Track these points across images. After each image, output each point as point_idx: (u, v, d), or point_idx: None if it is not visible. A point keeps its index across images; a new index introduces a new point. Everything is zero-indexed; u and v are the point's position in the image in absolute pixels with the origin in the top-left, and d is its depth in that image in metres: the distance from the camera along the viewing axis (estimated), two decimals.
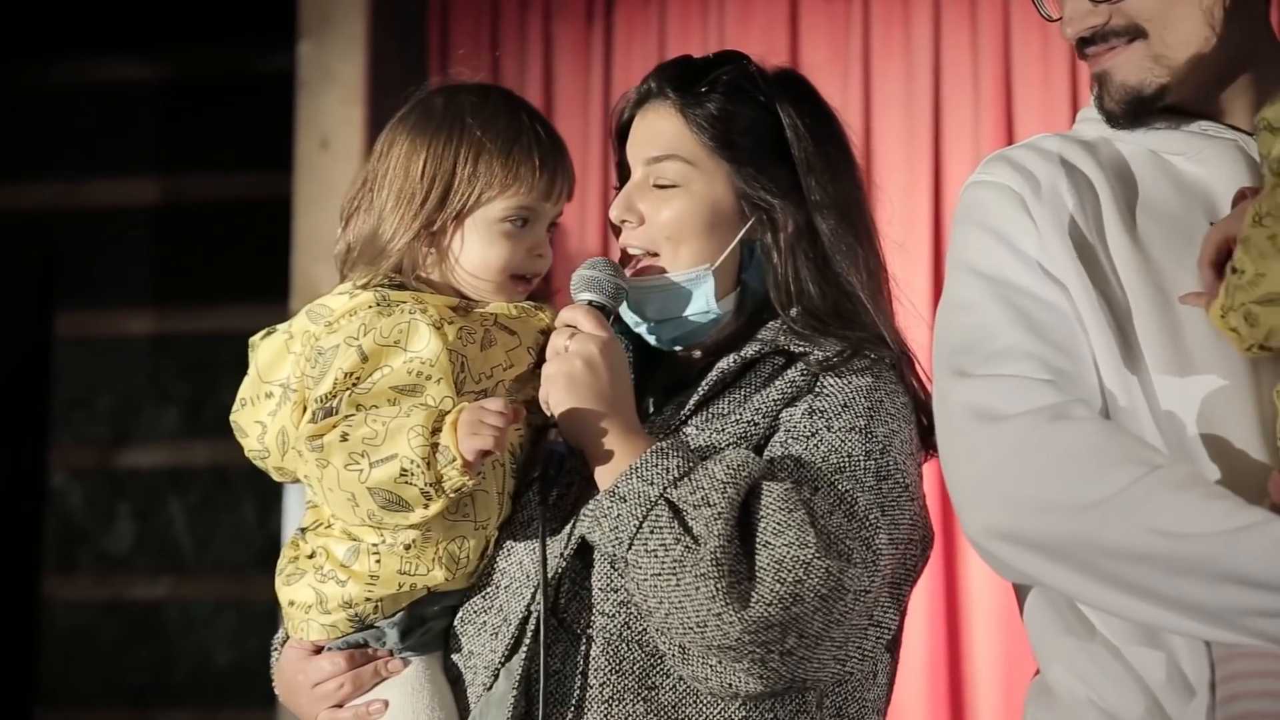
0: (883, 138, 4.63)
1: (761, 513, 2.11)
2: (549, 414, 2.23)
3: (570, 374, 2.20)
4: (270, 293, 4.64)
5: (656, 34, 4.83)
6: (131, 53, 5.12)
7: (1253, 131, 2.09)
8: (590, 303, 2.26)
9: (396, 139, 2.31)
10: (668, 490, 2.13)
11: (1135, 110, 2.10)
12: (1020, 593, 2.17)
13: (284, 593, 2.27)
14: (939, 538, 4.13)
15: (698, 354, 2.35)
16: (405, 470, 2.12)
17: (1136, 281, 2.04)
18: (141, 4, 5.08)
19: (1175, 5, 2.07)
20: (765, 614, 2.07)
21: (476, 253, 2.28)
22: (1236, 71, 2.11)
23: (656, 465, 2.15)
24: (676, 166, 2.31)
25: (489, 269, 2.29)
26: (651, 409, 2.35)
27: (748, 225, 2.33)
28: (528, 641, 2.19)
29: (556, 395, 2.21)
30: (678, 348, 2.38)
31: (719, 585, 2.06)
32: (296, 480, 2.28)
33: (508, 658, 2.22)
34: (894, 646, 2.29)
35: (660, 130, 2.33)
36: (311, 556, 2.25)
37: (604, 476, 2.19)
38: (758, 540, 2.10)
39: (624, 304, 2.35)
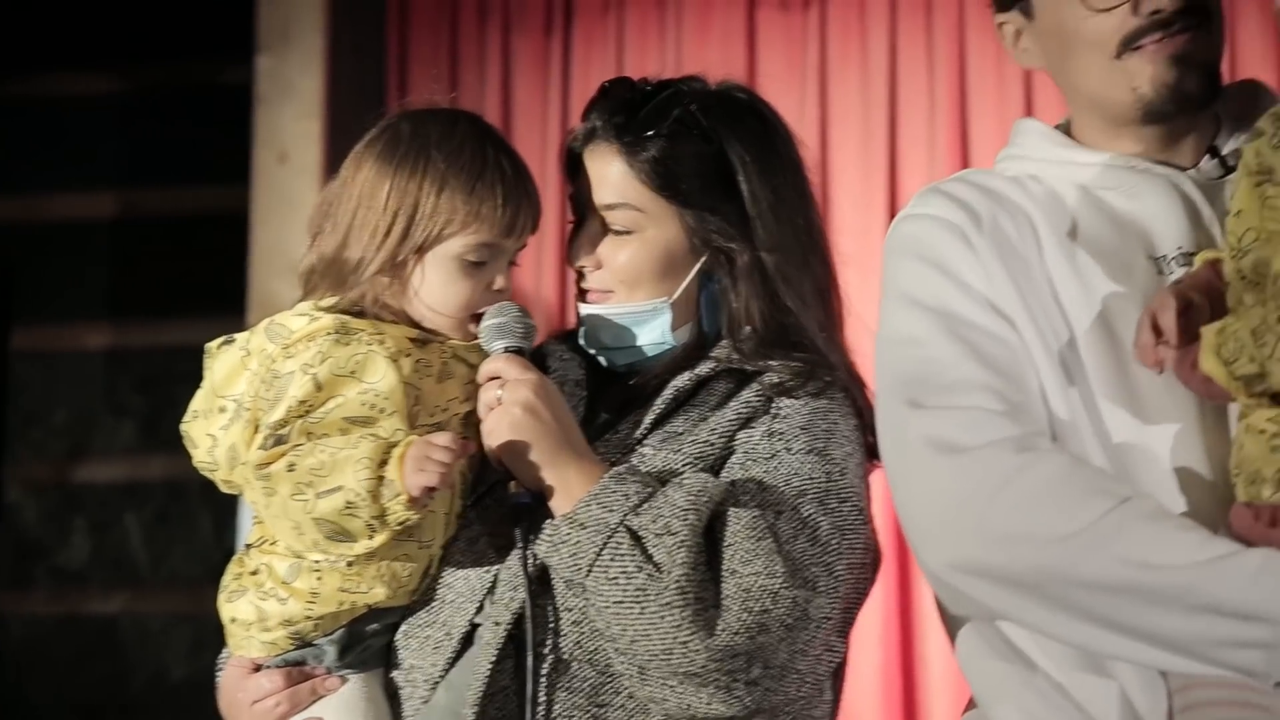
0: (839, 148, 4.63)
1: (728, 540, 2.11)
2: (500, 467, 2.22)
3: (513, 423, 2.20)
4: (227, 307, 4.63)
5: (615, 46, 4.84)
6: (89, 67, 5.10)
7: (1183, 166, 2.10)
8: (506, 349, 2.26)
9: (363, 164, 2.30)
10: (627, 517, 2.13)
11: (1212, 93, 2.11)
12: (953, 633, 2.15)
13: (226, 609, 2.27)
14: (894, 554, 4.16)
15: (652, 374, 2.35)
16: (350, 503, 2.12)
17: (1082, 315, 2.04)
18: (98, 18, 5.07)
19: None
20: (731, 643, 2.07)
21: (436, 288, 2.27)
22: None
23: (615, 492, 2.15)
24: (627, 214, 2.32)
25: (448, 305, 2.28)
26: (603, 424, 2.34)
27: (701, 261, 2.33)
28: (493, 660, 2.17)
29: (505, 448, 2.20)
30: (634, 370, 2.38)
31: (684, 614, 2.07)
32: (244, 492, 2.28)
33: (446, 671, 2.22)
34: (839, 672, 2.29)
35: (607, 176, 2.33)
36: (255, 573, 2.25)
37: (563, 505, 2.18)
38: (724, 568, 2.10)
39: (580, 331, 2.37)
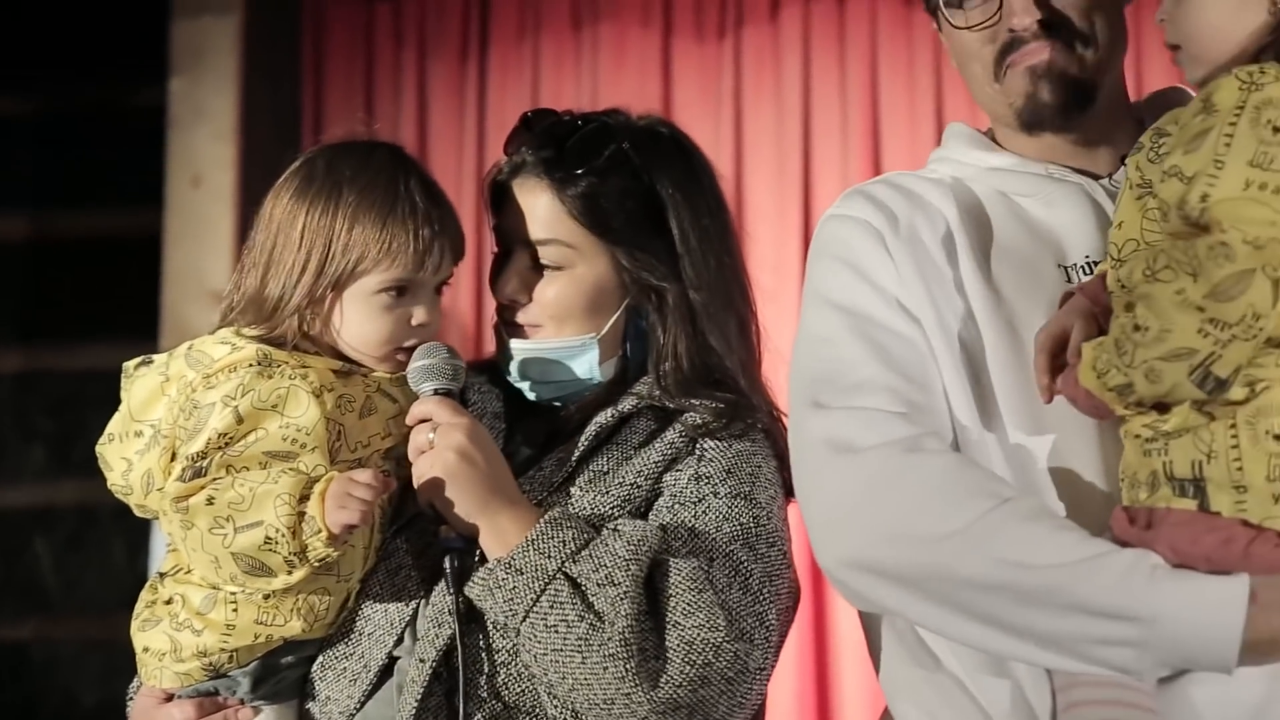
0: (753, 176, 4.67)
1: (670, 591, 2.13)
2: (430, 510, 2.21)
3: (446, 468, 2.19)
4: (140, 330, 4.59)
5: (530, 72, 4.85)
6: (1, 88, 5.06)
7: (1098, 174, 2.16)
8: (436, 391, 2.24)
9: (280, 200, 2.28)
10: (565, 564, 2.14)
11: (1075, 102, 2.15)
12: (868, 630, 2.21)
13: (139, 639, 2.26)
14: (810, 580, 4.18)
15: (574, 408, 2.36)
16: (270, 538, 2.12)
17: (989, 319, 2.08)
18: (11, 39, 5.03)
19: (1098, 8, 2.15)
20: (674, 695, 2.09)
21: (355, 324, 2.26)
22: (1108, 106, 2.19)
23: (552, 538, 2.15)
24: (558, 250, 2.32)
25: (368, 342, 2.27)
26: (526, 460, 2.34)
27: (630, 296, 2.34)
28: (419, 697, 2.16)
29: (438, 494, 2.19)
30: (555, 404, 2.39)
31: (629, 665, 2.08)
32: (158, 517, 2.27)
33: (362, 704, 2.22)
34: (761, 708, 2.30)
35: (536, 212, 2.32)
36: (169, 603, 2.24)
37: (497, 550, 2.18)
38: (667, 619, 2.12)
39: (508, 366, 2.36)
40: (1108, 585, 1.84)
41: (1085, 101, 2.16)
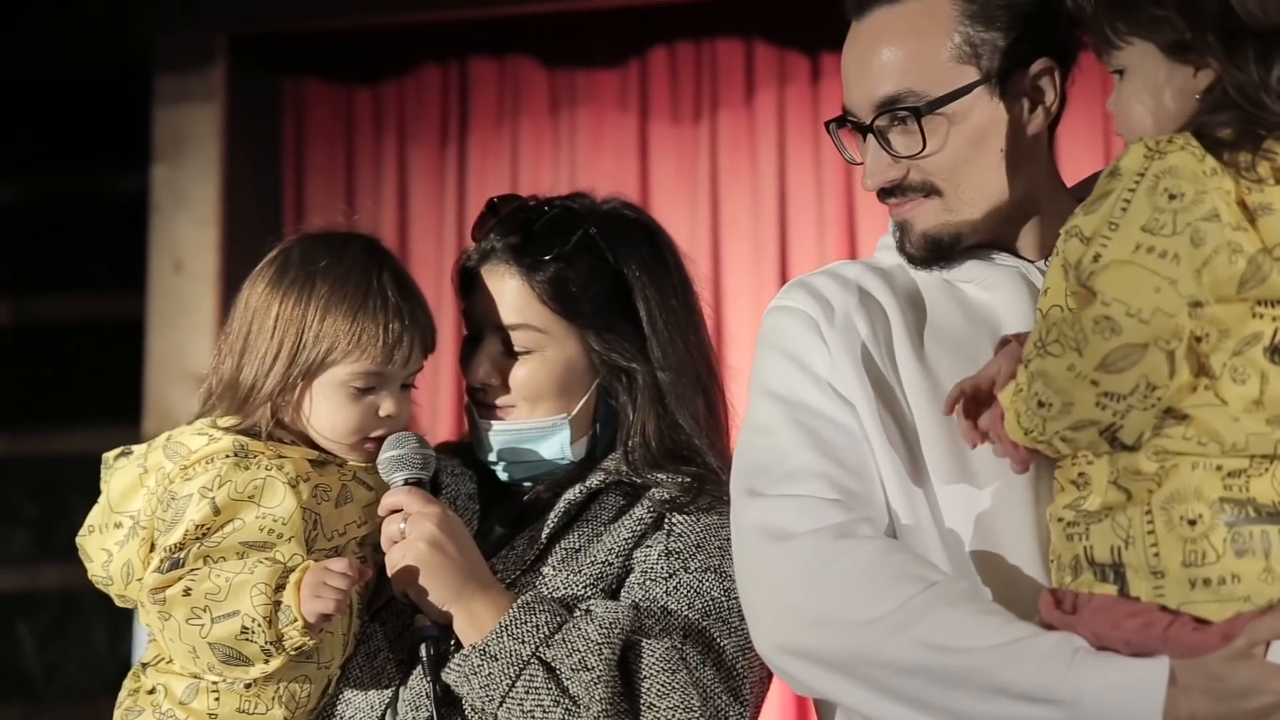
0: (730, 257, 4.70)
1: (644, 673, 2.15)
2: (405, 600, 2.23)
3: (419, 558, 2.22)
4: (123, 415, 4.60)
5: (509, 157, 4.88)
6: None
7: (1034, 258, 2.18)
8: (406, 480, 2.27)
9: (256, 288, 2.32)
10: (539, 649, 2.16)
11: (935, 255, 2.18)
12: (819, 711, 2.23)
13: None
14: None
15: (543, 486, 2.39)
16: (246, 628, 2.14)
17: (924, 403, 2.11)
18: None
19: (965, 164, 2.14)
20: None
21: (324, 414, 2.29)
22: (1024, 213, 2.19)
23: (525, 623, 2.18)
24: (528, 334, 2.36)
25: (336, 431, 2.30)
26: (499, 539, 2.37)
27: (600, 377, 2.38)
28: None
29: (411, 583, 2.22)
30: (527, 483, 2.42)
31: None
32: (139, 606, 2.28)
33: None
34: None
35: (506, 297, 2.36)
36: (151, 692, 2.26)
37: (471, 636, 2.21)
38: (642, 702, 2.15)
39: (481, 448, 2.39)
40: (1031, 668, 1.88)
41: (950, 250, 2.18)
